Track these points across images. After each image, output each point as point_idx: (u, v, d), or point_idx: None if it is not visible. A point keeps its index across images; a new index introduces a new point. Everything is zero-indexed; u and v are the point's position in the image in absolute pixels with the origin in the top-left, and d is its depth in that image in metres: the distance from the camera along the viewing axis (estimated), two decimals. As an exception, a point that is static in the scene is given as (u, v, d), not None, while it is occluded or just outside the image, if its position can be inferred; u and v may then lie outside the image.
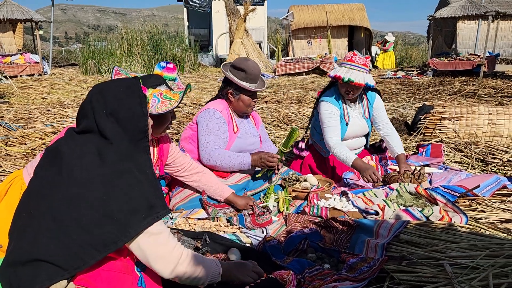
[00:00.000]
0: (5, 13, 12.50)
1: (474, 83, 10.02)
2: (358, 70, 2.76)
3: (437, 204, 2.43)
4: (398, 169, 2.87)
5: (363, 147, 3.19)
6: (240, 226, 2.20)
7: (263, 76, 13.18)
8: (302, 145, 3.18)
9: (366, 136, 3.14)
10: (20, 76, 12.27)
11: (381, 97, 3.09)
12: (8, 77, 9.65)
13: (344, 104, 2.95)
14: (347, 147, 2.99)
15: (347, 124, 2.94)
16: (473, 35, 15.64)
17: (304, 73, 13.74)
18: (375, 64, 16.97)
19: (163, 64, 2.02)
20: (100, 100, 1.35)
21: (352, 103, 2.99)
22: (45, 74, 12.95)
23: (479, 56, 12.31)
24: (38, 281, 1.23)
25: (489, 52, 12.71)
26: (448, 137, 4.16)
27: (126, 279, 1.35)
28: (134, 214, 1.27)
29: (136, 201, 1.29)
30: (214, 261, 1.48)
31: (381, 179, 2.71)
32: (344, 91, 2.86)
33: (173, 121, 2.05)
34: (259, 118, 3.02)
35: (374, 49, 20.25)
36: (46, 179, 1.33)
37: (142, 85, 1.72)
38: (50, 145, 1.42)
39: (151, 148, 2.07)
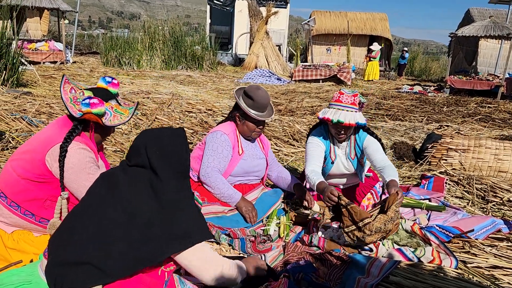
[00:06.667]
0: (33, 1, 12.86)
1: (490, 105, 9.98)
2: (347, 110, 2.70)
3: (430, 245, 2.54)
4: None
5: (357, 183, 3.14)
6: (241, 252, 2.34)
7: (280, 80, 13.27)
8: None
9: (356, 173, 3.07)
10: (43, 63, 12.62)
11: (373, 135, 2.93)
12: (31, 64, 9.95)
13: (331, 144, 2.94)
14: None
15: (332, 162, 2.95)
16: (495, 53, 15.51)
17: (320, 81, 13.79)
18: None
19: (108, 79, 2.14)
20: (153, 142, 1.61)
21: (340, 143, 2.95)
22: (67, 63, 13.29)
23: (498, 77, 12.23)
24: (81, 281, 1.48)
25: (509, 74, 12.60)
26: (453, 169, 4.24)
27: None
28: (171, 240, 1.53)
29: (175, 229, 1.54)
30: (238, 263, 1.78)
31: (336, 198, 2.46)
32: (334, 132, 2.82)
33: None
34: (268, 142, 3.14)
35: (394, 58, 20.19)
36: (103, 199, 1.59)
37: (99, 98, 1.96)
38: (105, 171, 1.71)
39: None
